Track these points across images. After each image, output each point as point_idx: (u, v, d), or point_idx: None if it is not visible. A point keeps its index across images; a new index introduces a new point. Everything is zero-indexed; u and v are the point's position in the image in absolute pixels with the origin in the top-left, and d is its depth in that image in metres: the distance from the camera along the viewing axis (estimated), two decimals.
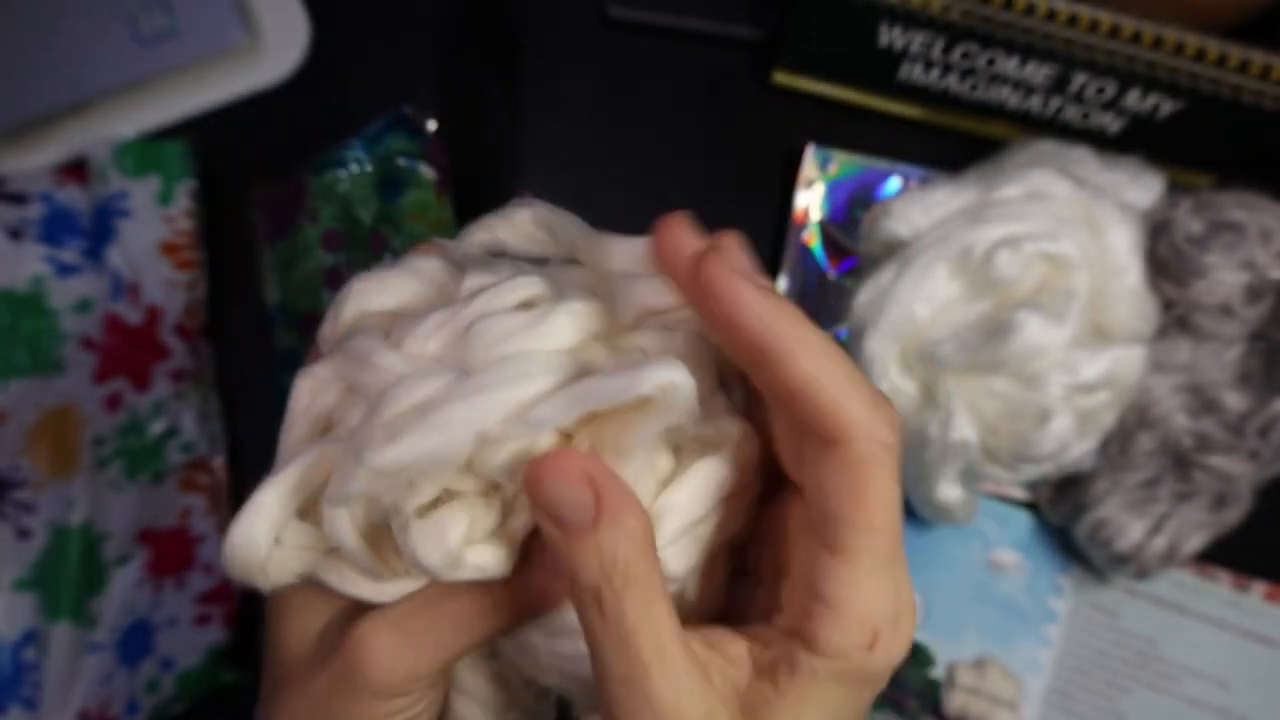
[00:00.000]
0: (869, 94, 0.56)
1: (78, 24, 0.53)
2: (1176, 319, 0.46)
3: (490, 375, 0.23)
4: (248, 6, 0.56)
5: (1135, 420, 0.47)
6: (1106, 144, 0.52)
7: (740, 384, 0.28)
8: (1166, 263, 0.45)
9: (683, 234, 0.25)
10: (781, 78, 0.56)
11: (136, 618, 0.47)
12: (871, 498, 0.22)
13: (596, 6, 0.58)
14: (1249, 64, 0.47)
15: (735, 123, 0.57)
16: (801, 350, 0.22)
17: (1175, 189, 0.51)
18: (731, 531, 0.26)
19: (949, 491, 0.47)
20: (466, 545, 0.24)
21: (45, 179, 0.51)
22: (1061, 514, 0.50)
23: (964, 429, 0.46)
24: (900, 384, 0.48)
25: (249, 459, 0.52)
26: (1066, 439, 0.46)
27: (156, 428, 0.49)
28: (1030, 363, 0.46)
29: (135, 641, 0.47)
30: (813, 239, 0.55)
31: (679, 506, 0.25)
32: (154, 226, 0.51)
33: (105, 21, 0.53)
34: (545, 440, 0.23)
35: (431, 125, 0.51)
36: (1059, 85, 0.50)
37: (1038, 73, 0.50)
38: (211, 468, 0.50)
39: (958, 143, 0.56)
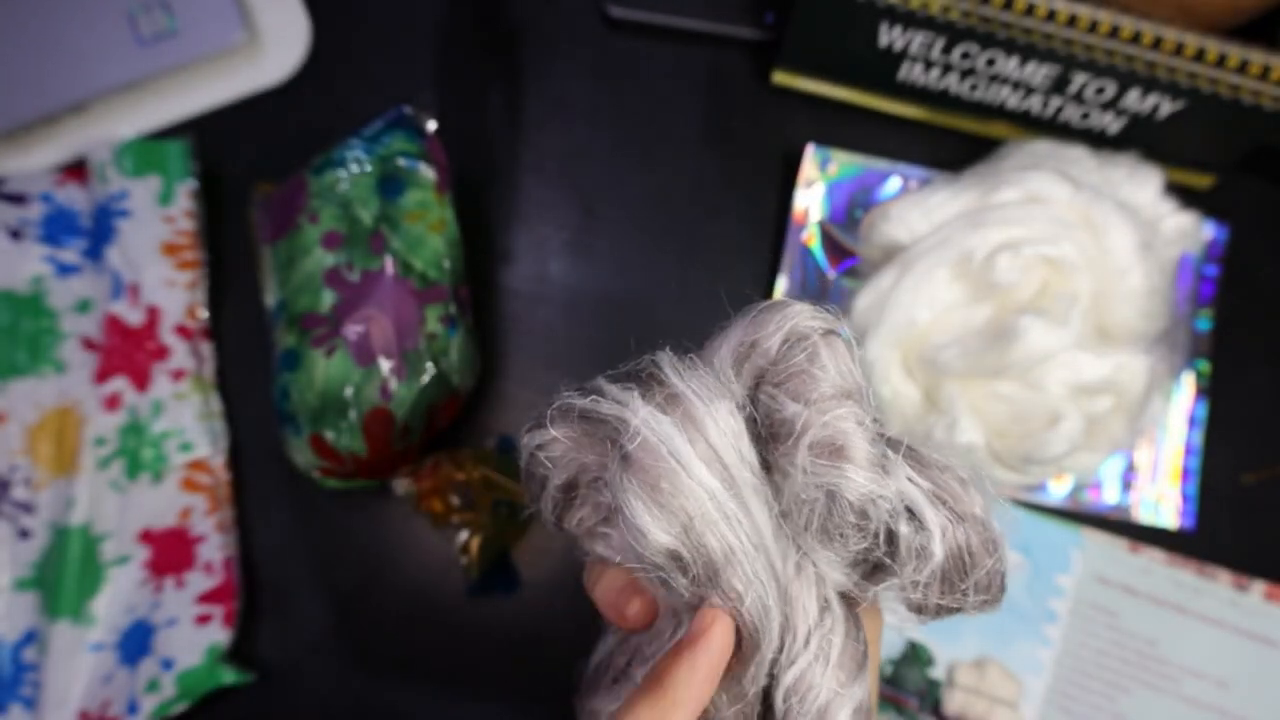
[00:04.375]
0: (869, 94, 0.56)
1: (78, 25, 0.53)
2: None
3: None
4: (248, 7, 0.56)
5: None
6: (1106, 144, 0.52)
7: None
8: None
9: None
10: (781, 78, 0.56)
11: (137, 617, 0.47)
12: None
13: (596, 6, 0.58)
14: (1249, 64, 0.47)
15: (735, 123, 0.57)
16: None
17: (1172, 189, 0.51)
18: None
19: None
20: None
21: (46, 179, 0.51)
22: None
23: (969, 432, 0.46)
24: (902, 389, 0.48)
25: (249, 459, 0.52)
26: (1077, 440, 0.46)
27: (157, 427, 0.49)
28: (1035, 367, 0.46)
29: (135, 641, 0.47)
30: (813, 239, 0.55)
31: None
32: (154, 226, 0.51)
33: (105, 22, 0.53)
34: None
35: (431, 125, 0.51)
36: (1059, 85, 0.50)
37: (1038, 73, 0.50)
38: (212, 467, 0.50)
39: (958, 143, 0.56)
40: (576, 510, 0.30)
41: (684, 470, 0.26)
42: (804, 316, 0.28)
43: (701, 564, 0.26)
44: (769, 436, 0.28)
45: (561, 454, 0.29)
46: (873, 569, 0.28)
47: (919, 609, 0.28)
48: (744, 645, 0.27)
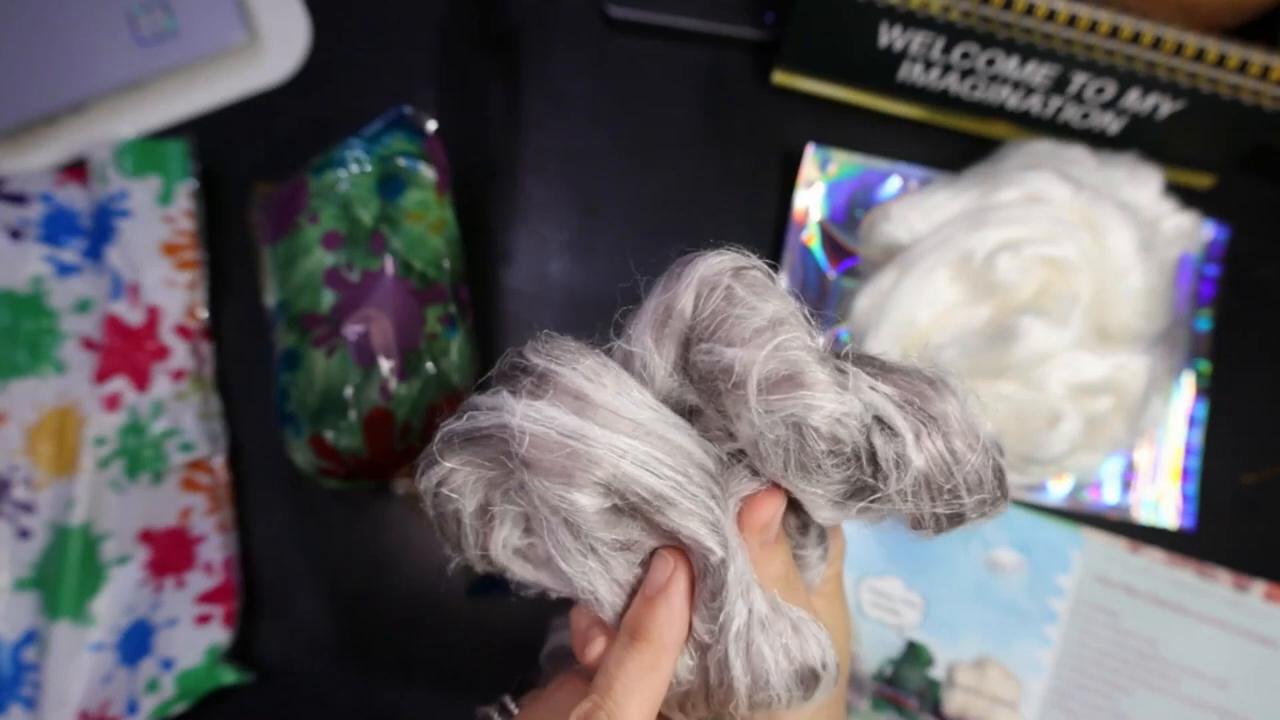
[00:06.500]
0: (869, 94, 0.56)
1: (78, 25, 0.53)
2: None
3: None
4: (248, 7, 0.56)
5: None
6: (1106, 144, 0.52)
7: None
8: None
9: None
10: (781, 78, 0.56)
11: (137, 617, 0.47)
12: None
13: (596, 6, 0.58)
14: (1249, 64, 0.47)
15: (735, 123, 0.57)
16: None
17: (1172, 189, 0.51)
18: None
19: None
20: None
21: (46, 179, 0.51)
22: None
23: None
24: None
25: (249, 459, 0.52)
26: (1077, 440, 0.46)
27: (157, 427, 0.49)
28: (1035, 367, 0.46)
29: (135, 641, 0.47)
30: (813, 239, 0.55)
31: None
32: (154, 226, 0.51)
33: (106, 22, 0.53)
34: None
35: (431, 125, 0.51)
36: (1059, 85, 0.50)
37: (1038, 73, 0.50)
38: (212, 467, 0.50)
39: (958, 143, 0.56)
40: (497, 531, 0.29)
41: (583, 441, 0.26)
42: (708, 267, 0.27)
43: (640, 511, 0.26)
44: (715, 392, 0.27)
45: (463, 481, 0.29)
46: (859, 488, 0.27)
47: (918, 523, 0.27)
48: (705, 574, 0.27)
